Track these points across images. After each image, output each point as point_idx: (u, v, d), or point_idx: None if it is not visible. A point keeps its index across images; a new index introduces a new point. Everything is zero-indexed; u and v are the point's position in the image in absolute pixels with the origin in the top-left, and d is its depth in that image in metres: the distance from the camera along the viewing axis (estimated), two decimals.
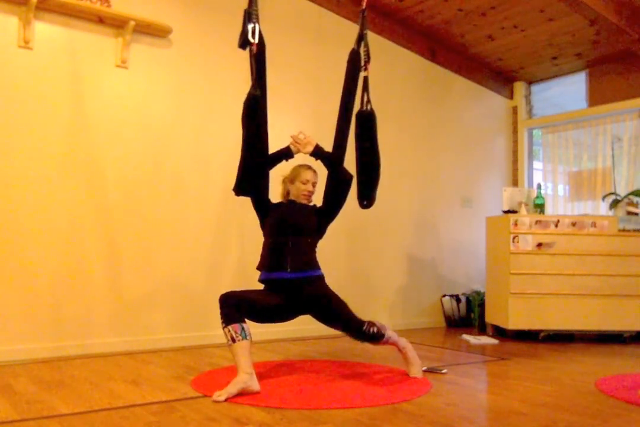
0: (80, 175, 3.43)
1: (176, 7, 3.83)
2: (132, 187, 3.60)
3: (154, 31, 3.67)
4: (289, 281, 2.72)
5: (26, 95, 3.28)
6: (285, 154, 2.86)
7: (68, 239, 3.36)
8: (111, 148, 3.54)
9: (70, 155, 3.40)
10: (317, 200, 2.92)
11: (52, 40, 3.38)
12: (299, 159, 2.93)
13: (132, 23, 3.51)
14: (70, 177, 3.39)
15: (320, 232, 2.89)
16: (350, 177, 2.85)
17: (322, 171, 2.90)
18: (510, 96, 5.87)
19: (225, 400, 2.25)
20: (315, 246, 2.86)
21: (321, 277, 2.82)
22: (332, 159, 2.85)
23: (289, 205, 2.86)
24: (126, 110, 3.61)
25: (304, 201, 2.86)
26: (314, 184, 2.87)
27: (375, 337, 2.69)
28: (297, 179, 2.84)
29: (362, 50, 2.92)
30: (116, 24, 3.54)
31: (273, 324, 2.98)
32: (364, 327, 2.67)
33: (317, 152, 2.83)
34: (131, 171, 3.60)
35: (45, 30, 3.35)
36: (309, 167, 2.88)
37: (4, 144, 3.20)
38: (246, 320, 2.52)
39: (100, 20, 3.50)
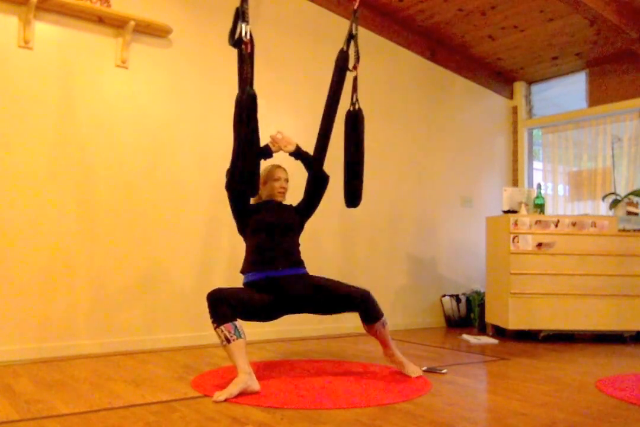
0: (79, 175, 3.42)
1: (176, 7, 3.83)
2: (130, 186, 3.59)
3: (154, 31, 3.67)
4: (281, 279, 2.71)
5: (26, 95, 3.28)
6: (264, 153, 2.84)
7: (66, 239, 3.36)
8: (111, 148, 3.54)
9: (69, 155, 3.39)
10: (292, 199, 2.97)
11: (52, 40, 3.38)
12: (276, 160, 2.94)
13: (132, 23, 3.51)
14: (69, 176, 3.39)
15: (300, 230, 2.97)
16: (327, 178, 2.94)
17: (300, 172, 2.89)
18: (510, 96, 5.87)
19: (225, 400, 2.25)
20: (299, 243, 2.91)
21: (308, 275, 2.86)
22: (311, 160, 2.91)
23: (270, 206, 2.88)
24: (126, 110, 3.61)
25: (279, 199, 2.90)
26: (286, 181, 2.92)
27: (378, 308, 2.74)
28: (269, 179, 2.89)
29: (351, 50, 2.90)
30: (116, 24, 3.54)
31: (272, 324, 2.97)
32: (371, 293, 2.72)
33: (298, 152, 2.90)
34: (130, 171, 3.60)
35: (45, 30, 3.35)
36: (279, 166, 2.93)
37: (3, 144, 3.20)
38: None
39: (100, 20, 3.50)
